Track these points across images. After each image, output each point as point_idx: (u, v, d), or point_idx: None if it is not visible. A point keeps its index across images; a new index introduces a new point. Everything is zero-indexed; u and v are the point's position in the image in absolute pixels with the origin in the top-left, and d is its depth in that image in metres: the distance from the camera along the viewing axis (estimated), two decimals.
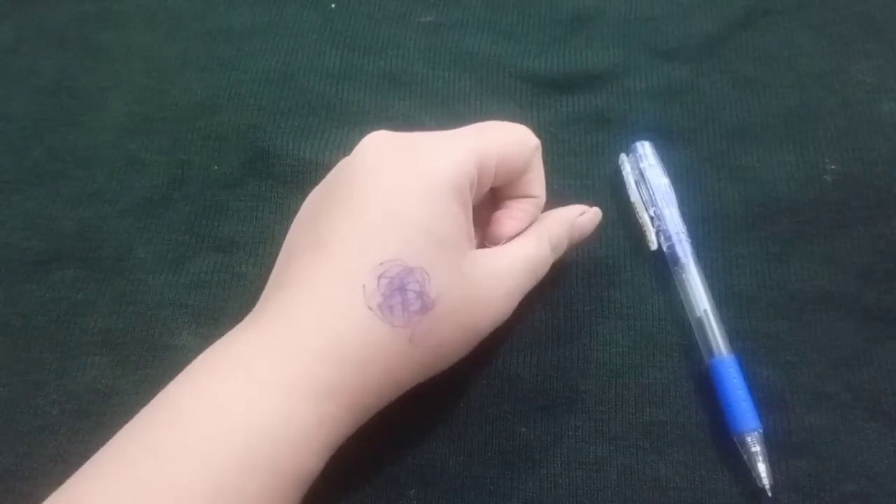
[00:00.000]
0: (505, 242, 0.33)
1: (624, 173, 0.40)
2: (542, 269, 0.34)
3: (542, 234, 0.34)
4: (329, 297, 0.29)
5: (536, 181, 0.34)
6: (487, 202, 0.35)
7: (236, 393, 0.27)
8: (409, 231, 0.29)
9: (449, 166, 0.30)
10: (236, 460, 0.26)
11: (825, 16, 0.45)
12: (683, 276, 0.36)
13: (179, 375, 0.29)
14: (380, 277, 0.28)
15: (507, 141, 0.33)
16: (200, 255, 0.39)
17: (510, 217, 0.34)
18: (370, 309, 0.28)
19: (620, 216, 0.39)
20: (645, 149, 0.40)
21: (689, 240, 0.37)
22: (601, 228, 0.37)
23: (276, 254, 0.32)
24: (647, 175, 0.39)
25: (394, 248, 0.29)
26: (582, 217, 0.36)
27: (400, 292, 0.29)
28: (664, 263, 0.38)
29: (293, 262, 0.31)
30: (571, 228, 0.35)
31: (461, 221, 0.30)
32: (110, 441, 0.27)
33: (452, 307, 0.29)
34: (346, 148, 0.32)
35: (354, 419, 0.29)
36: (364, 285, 0.28)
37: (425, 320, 0.29)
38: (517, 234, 0.34)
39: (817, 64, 0.43)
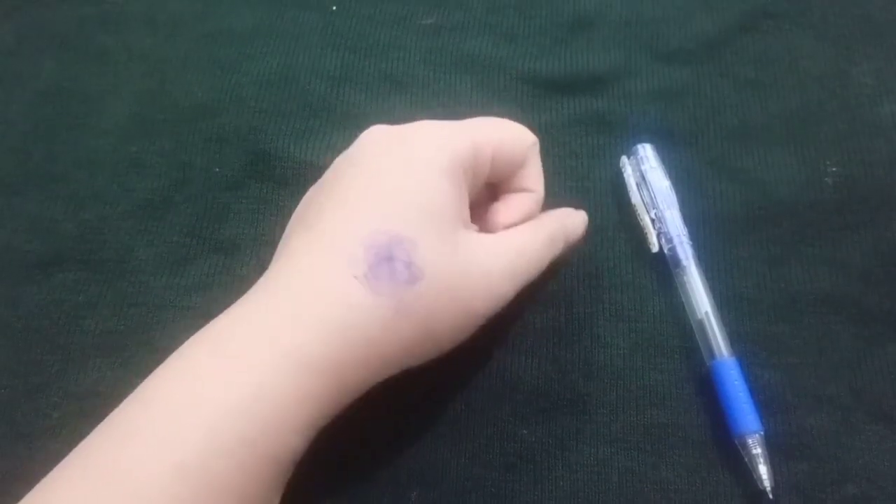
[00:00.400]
0: (501, 231, 0.33)
1: (625, 175, 0.40)
2: (538, 260, 0.33)
3: (537, 225, 0.34)
4: (312, 268, 0.28)
5: (534, 176, 0.35)
6: (487, 199, 0.35)
7: (204, 370, 0.27)
8: (398, 203, 0.29)
9: (441, 146, 0.30)
10: (201, 438, 0.25)
11: (826, 18, 0.45)
12: (684, 278, 0.36)
13: (158, 367, 0.28)
14: (367, 247, 0.28)
15: (503, 133, 0.33)
16: (202, 257, 0.39)
17: (506, 206, 0.34)
18: (355, 278, 0.27)
19: (621, 218, 0.39)
20: (646, 151, 0.40)
21: (691, 242, 0.37)
22: (603, 230, 0.37)
23: None
24: (649, 177, 0.39)
25: (382, 219, 0.28)
26: (572, 216, 0.36)
27: (387, 262, 0.28)
28: (665, 266, 0.38)
29: (283, 249, 0.31)
30: (564, 226, 0.35)
31: (453, 200, 0.30)
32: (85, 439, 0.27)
33: (443, 280, 0.29)
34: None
35: (338, 396, 0.28)
36: (349, 255, 0.28)
37: (413, 291, 0.28)
38: (513, 224, 0.33)
39: (818, 66, 0.43)
